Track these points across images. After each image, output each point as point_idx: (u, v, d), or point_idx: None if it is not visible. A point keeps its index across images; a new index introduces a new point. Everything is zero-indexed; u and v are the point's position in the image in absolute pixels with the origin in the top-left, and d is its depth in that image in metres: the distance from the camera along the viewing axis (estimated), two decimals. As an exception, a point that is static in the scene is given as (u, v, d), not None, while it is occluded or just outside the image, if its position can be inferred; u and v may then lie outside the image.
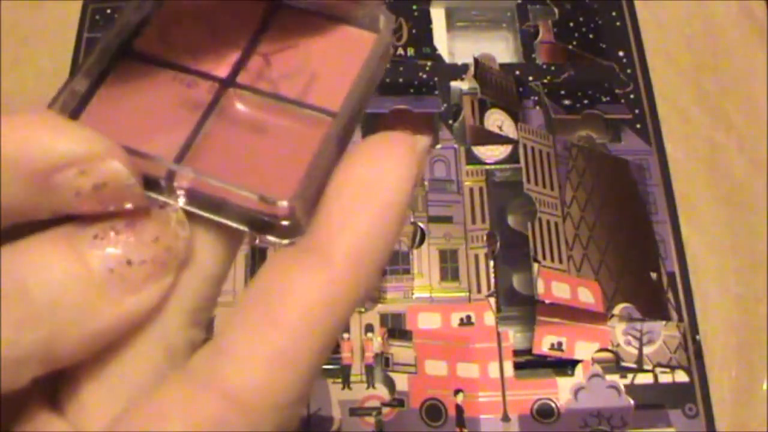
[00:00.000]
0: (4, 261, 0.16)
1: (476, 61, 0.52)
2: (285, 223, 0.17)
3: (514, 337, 0.45)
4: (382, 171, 0.17)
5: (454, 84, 0.52)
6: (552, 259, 0.46)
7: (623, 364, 0.44)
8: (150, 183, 0.18)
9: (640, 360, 0.44)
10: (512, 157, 0.49)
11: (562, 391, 0.43)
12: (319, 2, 0.22)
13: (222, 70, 0.21)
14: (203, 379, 0.16)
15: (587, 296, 0.45)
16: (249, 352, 0.16)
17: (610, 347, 0.44)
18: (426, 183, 0.48)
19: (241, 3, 0.22)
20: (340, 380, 0.43)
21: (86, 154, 0.16)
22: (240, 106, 0.20)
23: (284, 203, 0.17)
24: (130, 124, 0.20)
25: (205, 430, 0.16)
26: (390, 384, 0.43)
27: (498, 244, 0.47)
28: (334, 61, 0.21)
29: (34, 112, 0.17)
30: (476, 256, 0.47)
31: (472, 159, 0.49)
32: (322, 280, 0.16)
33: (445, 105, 0.51)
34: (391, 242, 0.17)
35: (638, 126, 0.51)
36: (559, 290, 0.45)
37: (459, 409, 0.43)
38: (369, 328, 0.44)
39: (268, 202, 0.17)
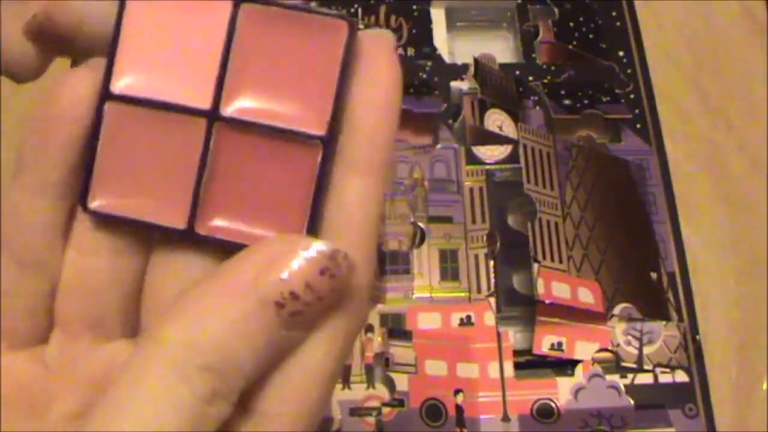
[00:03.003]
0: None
1: (476, 61, 0.52)
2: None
3: (514, 337, 0.45)
4: (384, 88, 0.23)
5: (454, 84, 0.52)
6: (552, 259, 0.46)
7: (623, 364, 0.44)
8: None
9: (640, 360, 0.44)
10: (512, 157, 0.49)
11: (562, 391, 0.43)
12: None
13: (204, 100, 0.21)
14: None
15: (587, 296, 0.45)
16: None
17: (610, 347, 0.44)
18: (426, 183, 0.48)
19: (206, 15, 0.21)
20: (340, 380, 0.43)
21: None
22: (232, 139, 0.21)
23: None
24: (140, 179, 0.21)
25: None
26: (390, 384, 0.43)
27: (498, 244, 0.47)
28: (313, 59, 0.21)
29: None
30: (476, 256, 0.47)
31: (472, 159, 0.49)
32: (376, 183, 0.21)
33: (445, 105, 0.51)
34: (394, 134, 0.22)
35: (638, 126, 0.51)
36: (559, 290, 0.45)
37: (459, 409, 0.43)
38: (369, 328, 0.44)
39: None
